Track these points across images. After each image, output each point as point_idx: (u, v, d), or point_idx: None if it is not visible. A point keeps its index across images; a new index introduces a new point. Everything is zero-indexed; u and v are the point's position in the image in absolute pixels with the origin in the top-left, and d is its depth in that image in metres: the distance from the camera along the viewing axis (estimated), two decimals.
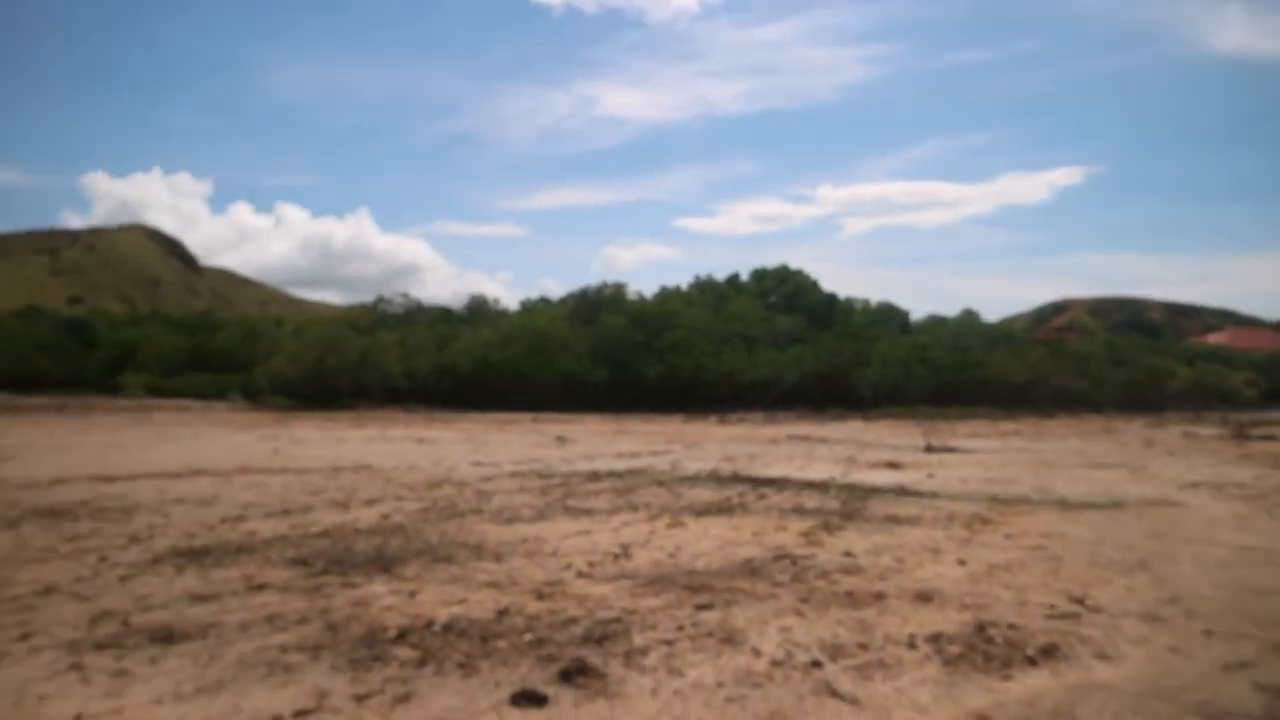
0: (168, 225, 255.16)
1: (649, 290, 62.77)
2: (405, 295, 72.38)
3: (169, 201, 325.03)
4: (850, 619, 6.16)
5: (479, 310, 68.19)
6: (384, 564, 7.73)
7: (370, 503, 11.56)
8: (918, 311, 70.49)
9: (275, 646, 5.42)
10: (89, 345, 69.52)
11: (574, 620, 6.00)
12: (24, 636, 5.63)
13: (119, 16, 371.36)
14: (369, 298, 75.34)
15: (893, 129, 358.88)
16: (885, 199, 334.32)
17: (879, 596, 6.81)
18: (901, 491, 13.60)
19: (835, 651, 5.43)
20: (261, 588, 6.87)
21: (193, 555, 8.12)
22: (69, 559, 7.98)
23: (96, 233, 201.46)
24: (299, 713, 4.39)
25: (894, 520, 10.73)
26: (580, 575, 7.44)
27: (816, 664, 5.19)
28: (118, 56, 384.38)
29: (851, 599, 6.72)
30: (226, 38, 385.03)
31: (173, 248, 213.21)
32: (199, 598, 6.57)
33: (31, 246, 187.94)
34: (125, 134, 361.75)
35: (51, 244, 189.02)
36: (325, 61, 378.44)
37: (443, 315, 67.68)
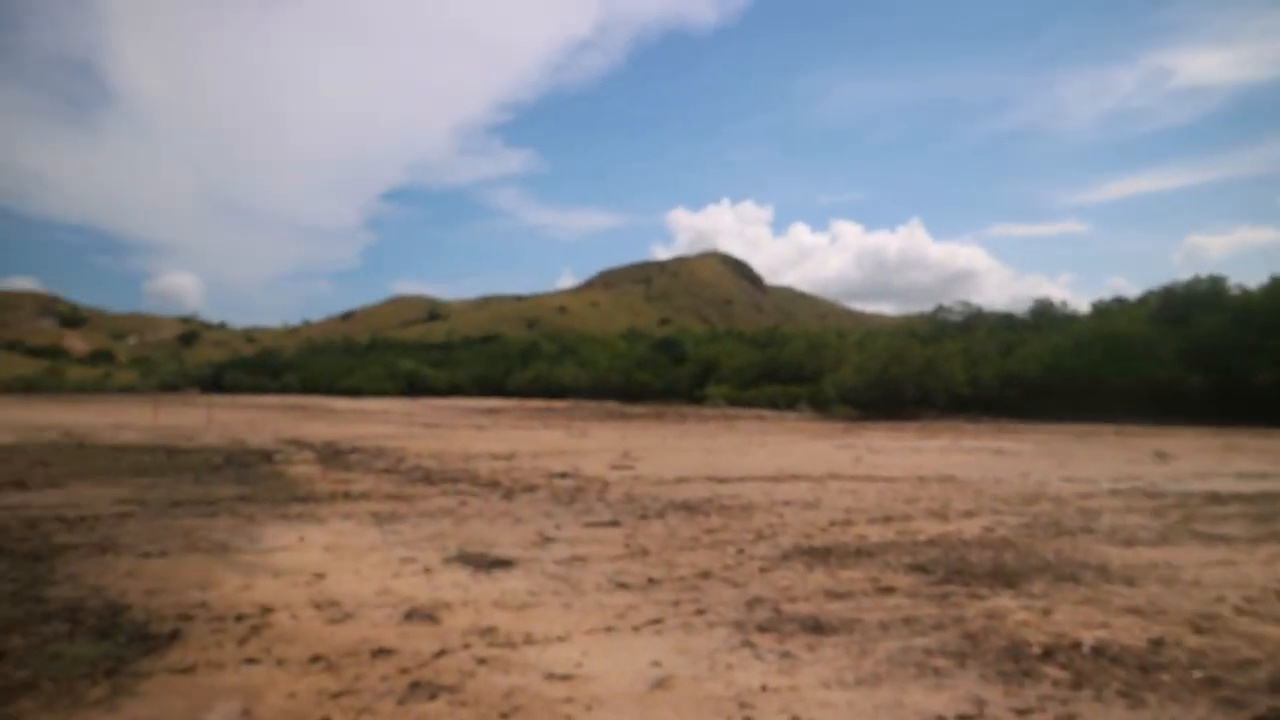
0: (736, 250, 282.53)
1: (1250, 282, 53.27)
2: (965, 303, 70.83)
3: (736, 229, 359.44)
4: None
5: (1044, 314, 64.16)
6: (1005, 578, 7.59)
7: (968, 514, 11.45)
8: None
9: (919, 649, 5.59)
10: (678, 361, 79.22)
11: (1252, 663, 5.30)
12: (699, 612, 6.51)
13: (685, 72, 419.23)
14: (923, 307, 75.37)
15: None
16: None
17: None
18: None
19: None
20: (889, 590, 7.16)
21: (815, 554, 8.75)
22: (712, 549, 9.07)
23: (679, 261, 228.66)
24: (961, 717, 4.46)
25: None
26: (1239, 611, 6.57)
27: None
28: (689, 107, 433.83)
29: None
30: (776, 76, 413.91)
31: (741, 270, 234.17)
32: (834, 594, 7.05)
33: (630, 278, 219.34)
34: (698, 173, 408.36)
35: (645, 274, 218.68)
36: (868, 80, 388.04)
37: (1004, 321, 64.97)
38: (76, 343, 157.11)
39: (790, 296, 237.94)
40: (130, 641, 5.67)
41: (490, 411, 50.42)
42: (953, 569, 8.00)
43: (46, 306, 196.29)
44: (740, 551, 8.88)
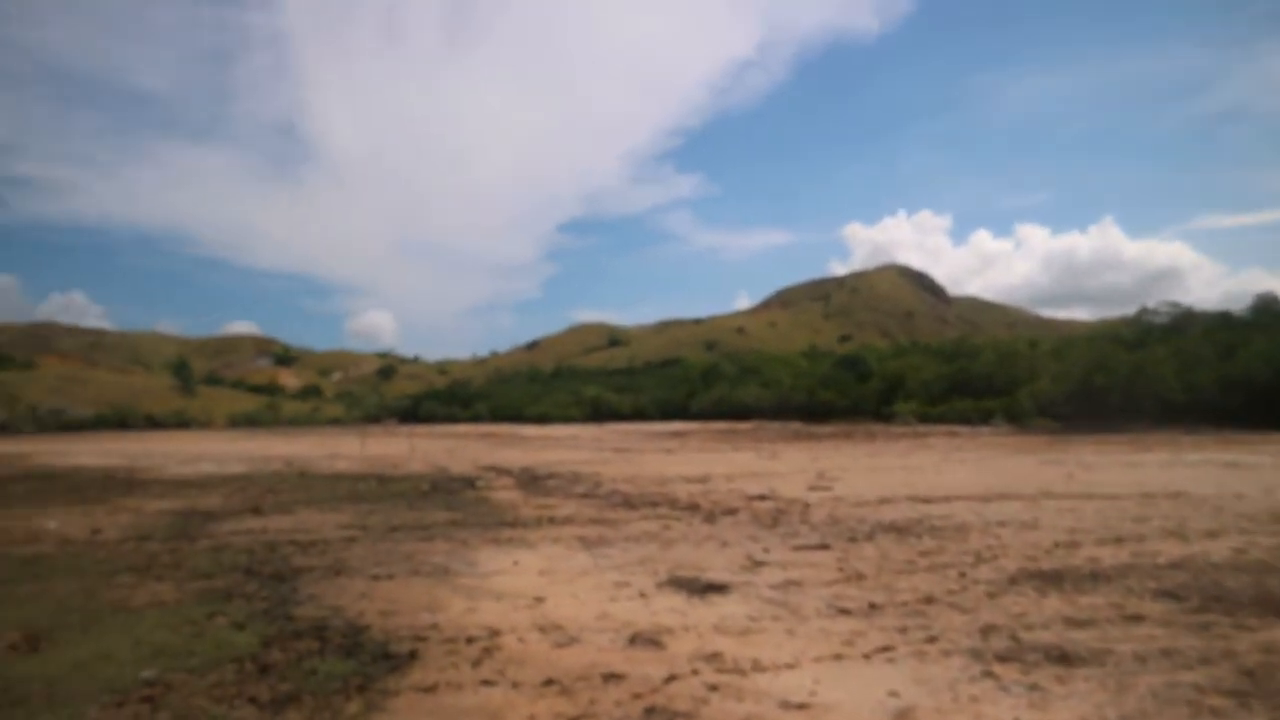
0: (915, 261, 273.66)
1: None
2: (1173, 303, 65.80)
3: (914, 239, 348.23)
4: None
5: (1268, 310, 58.66)
6: (1276, 607, 6.89)
7: (1211, 535, 10.53)
8: None
9: (1187, 685, 5.13)
10: (862, 378, 77.35)
11: None
12: (930, 640, 6.23)
13: (852, 83, 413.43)
14: (1120, 311, 70.30)
15: None
16: None
17: None
18: None
19: None
20: (1138, 619, 6.63)
21: (1045, 578, 8.24)
22: (930, 572, 8.71)
23: (857, 276, 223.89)
24: None
25: None
26: None
27: None
28: (858, 119, 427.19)
29: None
30: (948, 78, 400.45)
31: (922, 281, 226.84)
32: (1075, 622, 6.59)
33: (807, 295, 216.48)
34: (872, 185, 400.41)
35: (822, 291, 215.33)
36: (1049, 72, 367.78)
37: (1220, 321, 59.84)
38: (289, 379, 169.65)
39: (975, 306, 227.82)
40: (374, 660, 5.96)
41: (676, 435, 50.74)
42: (1208, 595, 7.33)
43: (263, 348, 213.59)
44: (962, 575, 8.48)
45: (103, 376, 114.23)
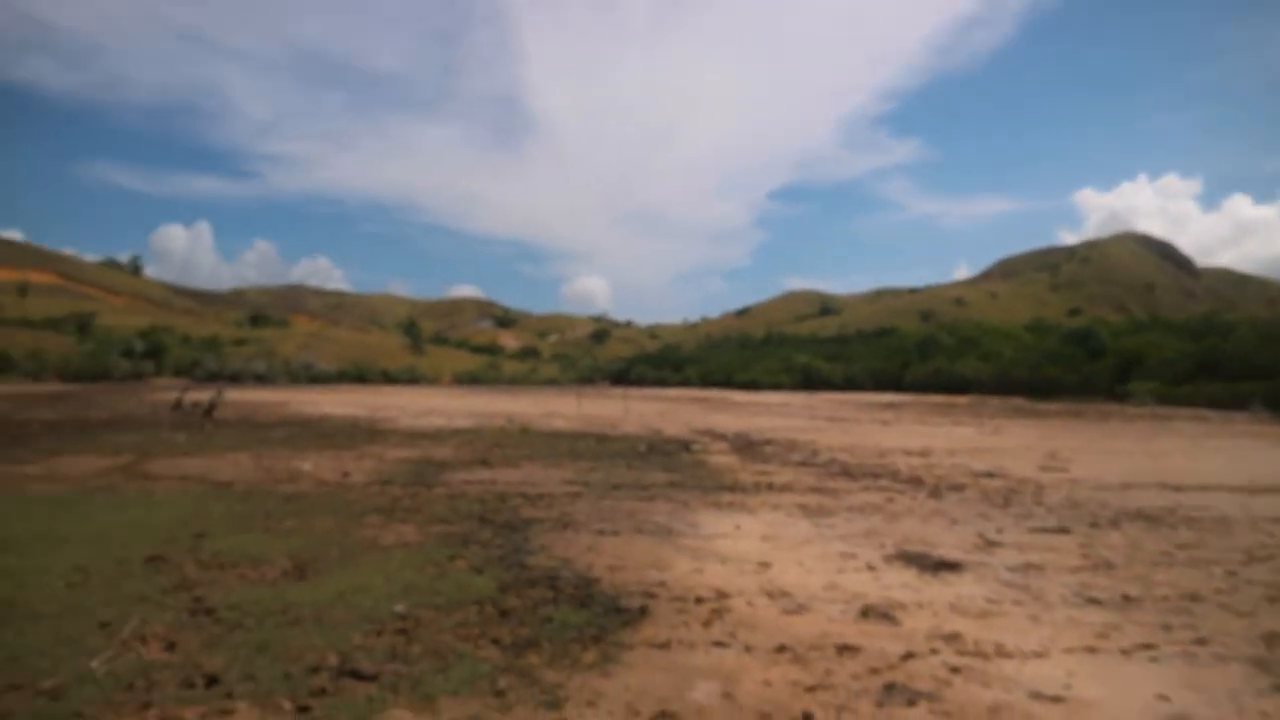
0: (1156, 230, 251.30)
1: None
2: None
3: (1156, 206, 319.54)
4: None
5: None
6: None
7: None
8: None
9: None
10: (1094, 354, 72.07)
11: None
12: (1199, 641, 5.67)
13: (1089, 38, 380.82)
14: None
15: None
16: None
17: None
18: None
19: None
20: None
21: None
22: (1191, 567, 7.94)
23: (1090, 245, 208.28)
24: None
25: None
26: None
27: None
28: (1094, 76, 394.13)
29: None
30: (1204, 25, 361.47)
31: (1164, 252, 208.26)
32: None
33: (1032, 265, 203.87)
34: (1108, 148, 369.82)
35: (1050, 261, 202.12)
36: None
37: None
38: (509, 341, 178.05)
39: (1228, 280, 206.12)
40: (606, 613, 6.07)
41: (890, 406, 49.22)
42: None
43: (485, 310, 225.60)
44: (1231, 574, 7.66)
45: (344, 335, 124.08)
